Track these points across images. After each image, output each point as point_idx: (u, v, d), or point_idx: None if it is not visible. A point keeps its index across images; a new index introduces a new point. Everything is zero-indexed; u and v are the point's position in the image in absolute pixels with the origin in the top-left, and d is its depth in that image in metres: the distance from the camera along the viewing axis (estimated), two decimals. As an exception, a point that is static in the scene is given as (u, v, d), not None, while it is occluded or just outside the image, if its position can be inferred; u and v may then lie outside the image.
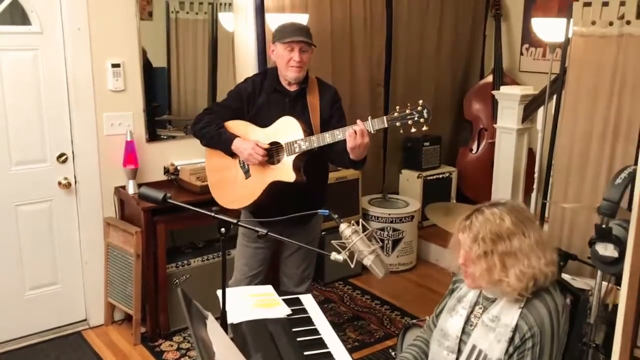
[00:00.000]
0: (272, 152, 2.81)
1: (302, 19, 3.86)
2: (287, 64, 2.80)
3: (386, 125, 2.58)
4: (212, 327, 1.62)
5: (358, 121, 2.60)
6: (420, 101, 2.56)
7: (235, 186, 2.88)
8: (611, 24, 3.23)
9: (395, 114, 2.57)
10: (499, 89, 4.49)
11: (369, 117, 2.61)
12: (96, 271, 3.66)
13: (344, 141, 2.59)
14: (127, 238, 3.48)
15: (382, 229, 4.48)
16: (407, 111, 2.56)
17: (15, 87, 3.27)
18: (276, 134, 2.79)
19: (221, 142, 2.86)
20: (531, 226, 1.81)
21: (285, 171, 2.74)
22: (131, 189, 3.54)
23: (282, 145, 2.77)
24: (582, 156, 3.42)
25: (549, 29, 3.72)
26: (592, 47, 3.33)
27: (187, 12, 4.03)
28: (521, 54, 5.26)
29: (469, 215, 1.85)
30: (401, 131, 2.60)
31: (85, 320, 3.71)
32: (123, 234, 3.50)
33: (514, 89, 4.25)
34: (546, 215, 3.66)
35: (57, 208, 3.52)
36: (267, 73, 3.00)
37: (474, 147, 5.24)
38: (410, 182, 5.01)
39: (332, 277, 4.37)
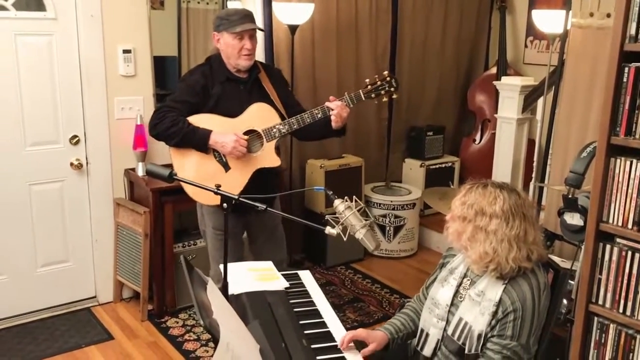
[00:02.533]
0: (248, 141, 2.82)
1: (308, 8, 3.96)
2: (239, 52, 2.79)
3: (363, 99, 2.81)
4: (212, 291, 1.73)
5: (332, 98, 2.77)
6: (386, 72, 2.84)
7: (216, 181, 2.77)
8: (609, 15, 3.30)
9: (369, 87, 2.81)
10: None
11: (346, 93, 2.81)
12: (106, 250, 3.80)
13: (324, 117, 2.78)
14: (136, 218, 3.61)
15: (384, 216, 4.58)
16: (379, 83, 2.81)
17: (30, 71, 3.40)
18: (249, 122, 2.81)
19: (196, 139, 2.76)
20: (521, 220, 1.87)
21: (269, 157, 2.81)
22: (140, 171, 3.66)
23: (258, 132, 2.81)
24: (578, 145, 3.49)
25: (549, 20, 3.80)
26: (589, 38, 3.40)
27: (198, 2, 4.15)
28: (525, 46, 5.32)
29: (474, 183, 1.97)
30: (376, 102, 2.86)
31: (95, 297, 3.85)
32: (132, 214, 3.63)
33: (514, 79, 4.34)
34: (543, 202, 3.75)
35: (69, 188, 3.65)
36: (211, 62, 2.91)
37: (477, 138, 5.32)
38: (413, 170, 5.11)
39: (334, 262, 4.48)
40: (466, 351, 1.91)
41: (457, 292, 2.00)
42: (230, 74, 2.87)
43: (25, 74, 3.39)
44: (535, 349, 1.97)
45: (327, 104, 2.77)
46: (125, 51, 3.63)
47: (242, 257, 3.17)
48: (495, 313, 1.87)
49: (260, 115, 2.81)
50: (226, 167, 2.84)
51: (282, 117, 2.86)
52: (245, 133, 2.82)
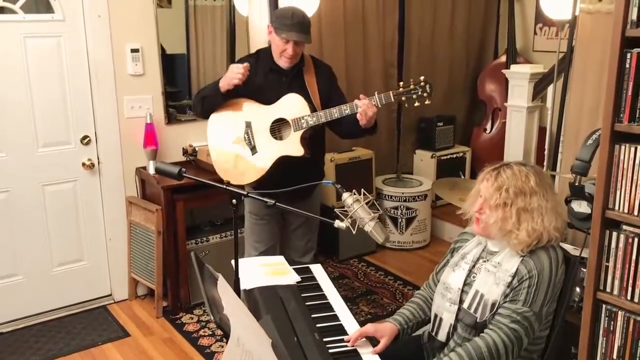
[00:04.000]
0: (276, 128, 2.92)
1: (314, 1, 3.94)
2: (281, 53, 2.89)
3: (392, 100, 2.76)
4: (223, 286, 1.74)
5: (362, 96, 2.75)
6: (422, 77, 2.75)
7: (243, 162, 2.99)
8: (617, 0, 3.26)
9: (401, 89, 2.76)
10: (510, 69, 4.55)
11: (376, 93, 2.77)
12: (120, 248, 3.83)
13: (352, 114, 2.76)
14: (148, 216, 3.63)
15: (396, 208, 4.58)
16: (411, 86, 2.75)
17: (40, 72, 3.43)
18: (281, 111, 2.91)
19: (213, 92, 2.92)
20: (550, 191, 1.96)
21: (293, 146, 2.87)
22: (151, 169, 3.68)
23: (287, 121, 2.88)
24: (589, 132, 3.47)
25: (557, 6, 3.76)
26: (598, 24, 3.36)
27: None
28: (535, 33, 5.27)
29: (496, 167, 1.98)
30: (406, 105, 2.78)
31: (110, 295, 3.89)
32: (144, 212, 3.66)
33: (524, 67, 4.31)
34: (555, 190, 3.72)
35: (81, 188, 3.68)
36: (259, 53, 3.06)
37: (488, 127, 5.29)
38: (424, 162, 5.10)
39: (346, 255, 4.49)
40: (478, 319, 1.91)
41: (470, 273, 2.01)
42: (274, 65, 2.96)
43: (35, 76, 3.42)
44: (547, 333, 1.96)
45: (355, 101, 2.77)
46: (133, 50, 3.65)
47: (277, 245, 3.27)
48: (510, 283, 1.88)
49: (293, 106, 2.89)
50: (254, 150, 2.95)
51: (315, 110, 2.91)
52: (277, 121, 2.91)
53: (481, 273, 1.97)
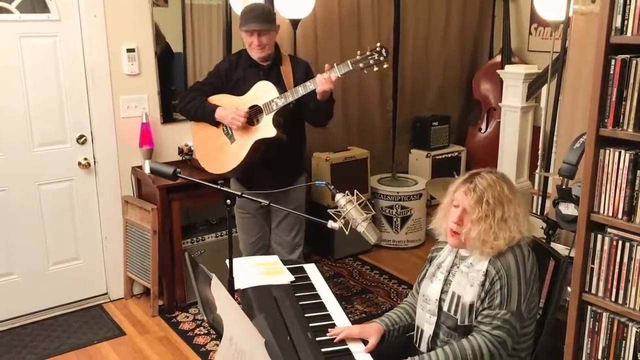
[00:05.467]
0: (252, 115, 3.03)
1: (309, 2, 3.95)
2: (250, 46, 3.07)
3: (351, 68, 2.86)
4: (216, 286, 1.76)
5: (327, 67, 2.89)
6: (378, 43, 2.87)
7: (222, 152, 3.11)
8: (610, 1, 3.28)
9: (358, 57, 2.87)
10: (505, 69, 4.57)
11: (335, 64, 2.88)
12: (115, 247, 3.85)
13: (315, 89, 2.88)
14: (144, 215, 3.65)
15: (391, 207, 4.60)
16: (368, 53, 2.86)
17: (36, 72, 3.44)
18: (254, 99, 3.04)
19: (205, 113, 3.13)
20: (520, 196, 1.99)
21: (266, 128, 2.97)
22: (147, 168, 3.70)
23: (260, 107, 3.00)
24: (583, 132, 3.49)
25: (551, 7, 3.79)
26: (592, 24, 3.38)
27: (202, -2, 4.16)
28: (530, 33, 5.30)
29: (470, 178, 1.98)
30: (365, 71, 2.87)
31: (106, 293, 3.90)
32: (140, 211, 3.68)
33: (518, 67, 4.34)
34: (549, 191, 3.75)
35: (77, 187, 3.70)
36: (242, 52, 3.23)
37: (483, 127, 5.32)
38: (420, 161, 5.12)
39: (341, 254, 4.51)
40: (459, 322, 1.94)
41: (446, 281, 2.03)
42: (252, 61, 3.14)
43: (30, 76, 3.43)
44: (532, 328, 1.99)
45: (317, 75, 2.90)
46: (129, 50, 3.66)
47: (266, 236, 3.38)
48: (483, 284, 1.90)
49: (262, 92, 3.02)
50: (231, 139, 3.10)
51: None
52: (250, 109, 3.04)
53: (456, 276, 2.00)
